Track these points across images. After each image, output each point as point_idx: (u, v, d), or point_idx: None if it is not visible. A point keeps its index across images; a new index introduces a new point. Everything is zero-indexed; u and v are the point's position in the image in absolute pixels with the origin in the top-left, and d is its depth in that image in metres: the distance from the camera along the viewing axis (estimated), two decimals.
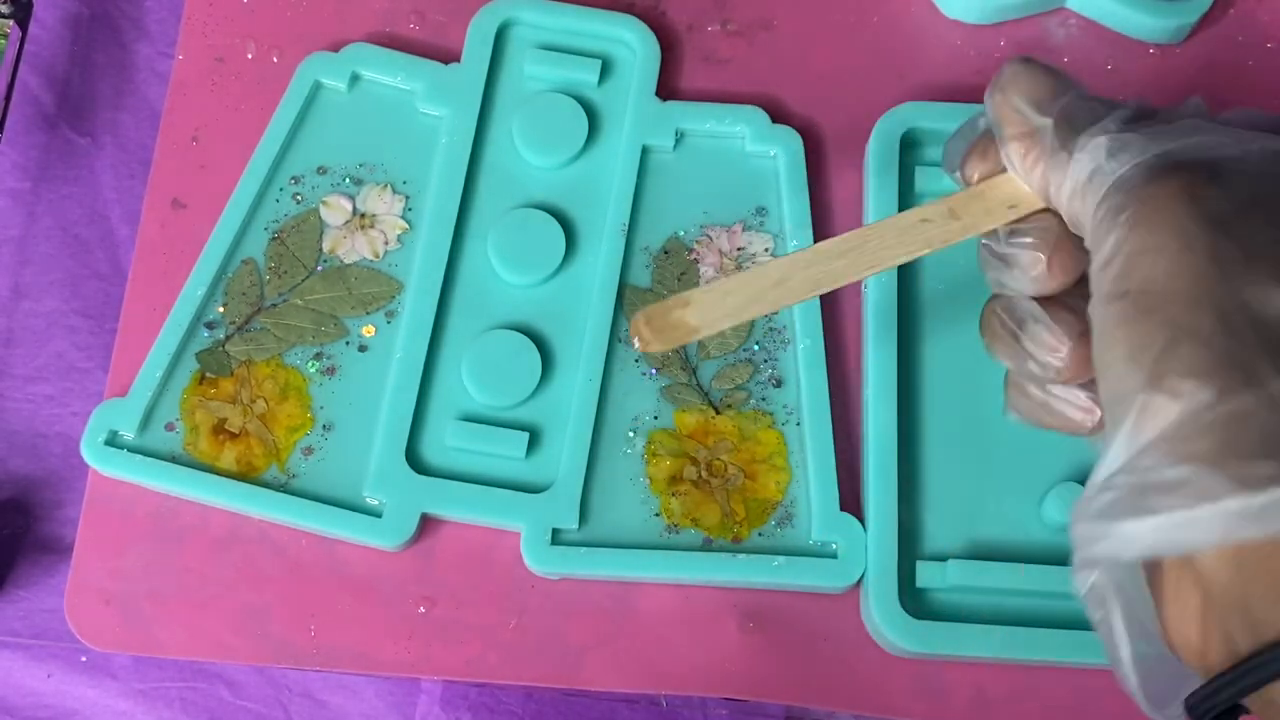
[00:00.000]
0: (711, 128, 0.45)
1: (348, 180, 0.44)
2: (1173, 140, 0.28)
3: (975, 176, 0.33)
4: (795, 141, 0.44)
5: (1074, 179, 0.30)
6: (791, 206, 0.44)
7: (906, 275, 0.43)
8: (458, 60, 0.45)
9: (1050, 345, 0.31)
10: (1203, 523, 0.23)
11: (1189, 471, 0.24)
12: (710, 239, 0.44)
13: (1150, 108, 0.30)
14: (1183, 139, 0.28)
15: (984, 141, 0.33)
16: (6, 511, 0.44)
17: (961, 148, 0.33)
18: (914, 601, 0.40)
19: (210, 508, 0.41)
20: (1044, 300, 0.31)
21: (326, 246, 0.43)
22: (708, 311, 0.32)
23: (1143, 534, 0.24)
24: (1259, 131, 0.29)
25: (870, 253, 0.33)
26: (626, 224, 0.43)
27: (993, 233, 0.32)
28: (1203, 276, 0.26)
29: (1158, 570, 0.26)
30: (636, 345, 0.32)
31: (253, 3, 0.46)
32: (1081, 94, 0.31)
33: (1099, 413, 0.32)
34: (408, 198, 0.44)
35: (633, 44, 0.45)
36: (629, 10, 0.46)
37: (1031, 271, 0.31)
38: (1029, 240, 0.31)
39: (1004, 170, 0.32)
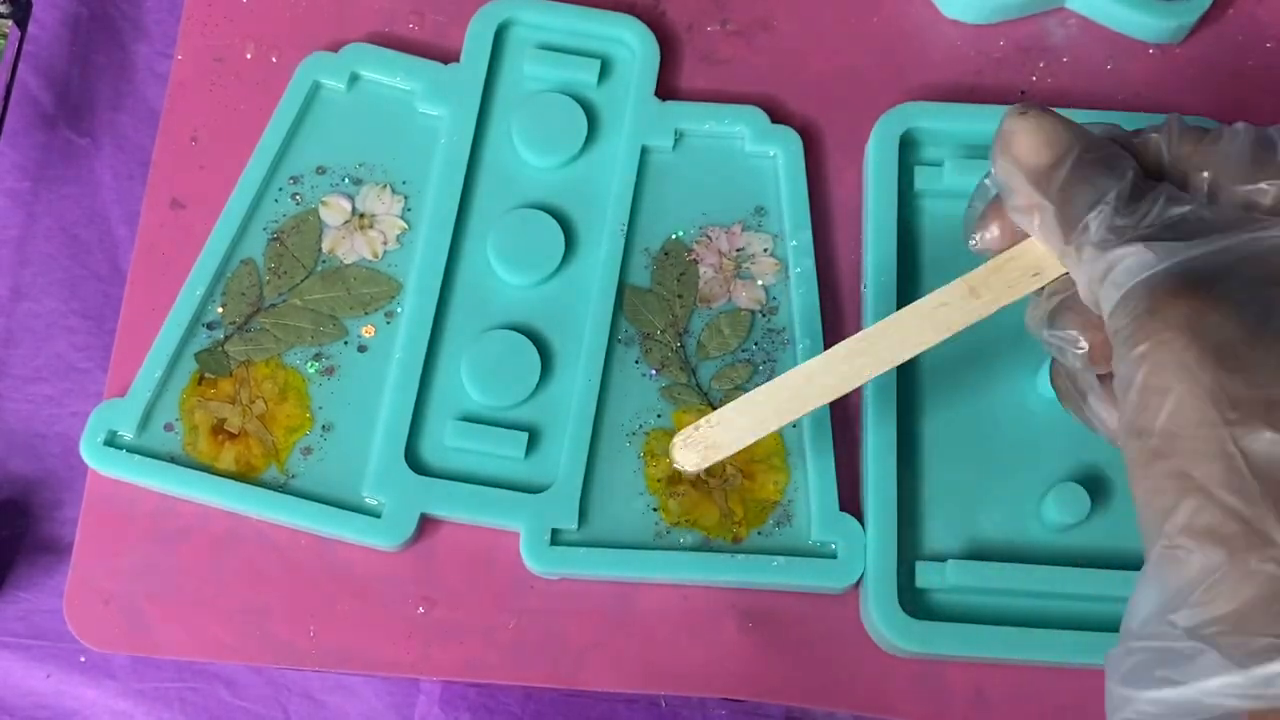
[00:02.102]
0: (711, 128, 0.45)
1: (347, 180, 0.44)
2: (1180, 245, 0.28)
3: (993, 246, 0.33)
4: (795, 141, 0.44)
5: (1087, 274, 0.30)
6: (791, 206, 0.44)
7: (906, 275, 0.43)
8: (457, 60, 0.45)
9: (1111, 417, 0.32)
10: (1216, 693, 0.25)
11: (1199, 647, 0.25)
12: (710, 239, 0.44)
13: (1153, 159, 0.31)
14: (1190, 244, 0.28)
15: (995, 208, 0.33)
16: (6, 512, 0.44)
17: (975, 215, 0.33)
18: (913, 602, 0.40)
19: (209, 508, 0.41)
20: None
21: (326, 246, 0.43)
22: (732, 431, 0.34)
23: (1165, 699, 0.26)
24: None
25: (889, 348, 0.33)
26: (626, 224, 0.43)
27: (1038, 297, 0.32)
28: (1205, 423, 0.26)
29: None
30: (682, 467, 0.35)
31: (252, 3, 0.46)
32: (1081, 159, 0.30)
33: None
34: (407, 198, 0.44)
35: (632, 44, 0.45)
36: (629, 10, 0.46)
37: (1077, 359, 0.32)
38: (1069, 333, 0.32)
39: (1023, 235, 0.32)
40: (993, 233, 0.33)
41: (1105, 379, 0.32)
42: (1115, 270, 0.29)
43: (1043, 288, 0.32)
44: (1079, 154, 0.30)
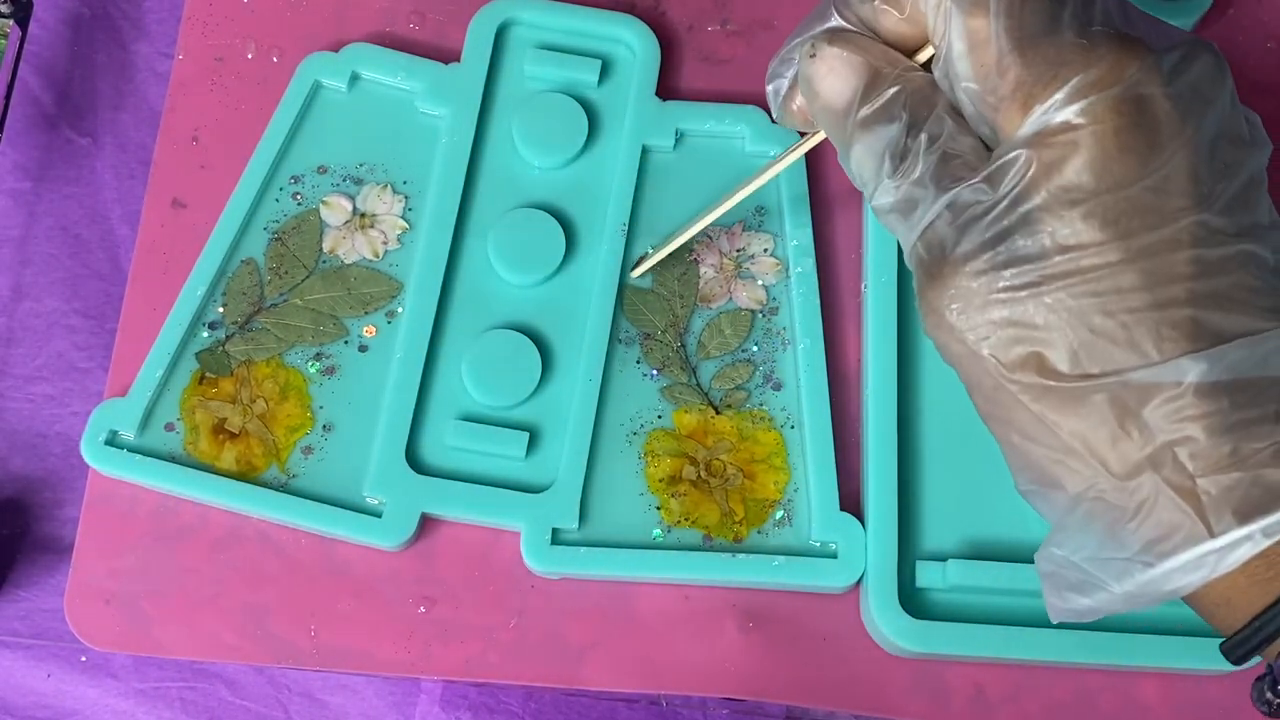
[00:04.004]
0: (711, 128, 0.45)
1: (348, 180, 0.44)
2: (927, 208, 0.30)
3: (798, 121, 0.36)
4: (795, 142, 0.44)
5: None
6: (791, 206, 0.44)
7: (907, 275, 0.43)
8: (458, 60, 0.45)
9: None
10: (1104, 603, 0.30)
11: (1079, 574, 0.30)
12: (710, 239, 0.44)
13: (923, 98, 0.31)
14: (937, 202, 0.30)
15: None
16: (6, 511, 0.44)
17: (776, 93, 0.35)
18: (914, 601, 0.40)
19: (210, 507, 0.41)
20: None
21: (326, 246, 0.43)
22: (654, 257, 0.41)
23: (1073, 609, 0.31)
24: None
25: (743, 189, 0.39)
26: (626, 224, 0.43)
27: None
28: (998, 388, 0.30)
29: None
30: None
31: (252, 3, 0.46)
32: (863, 109, 0.31)
33: None
34: (408, 198, 0.44)
35: (633, 44, 0.45)
36: (629, 10, 0.46)
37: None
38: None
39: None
40: (797, 106, 0.35)
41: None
42: (897, 235, 0.31)
43: None
44: (860, 99, 0.31)
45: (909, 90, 0.30)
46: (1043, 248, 0.28)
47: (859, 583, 0.40)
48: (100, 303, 0.46)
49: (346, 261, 0.43)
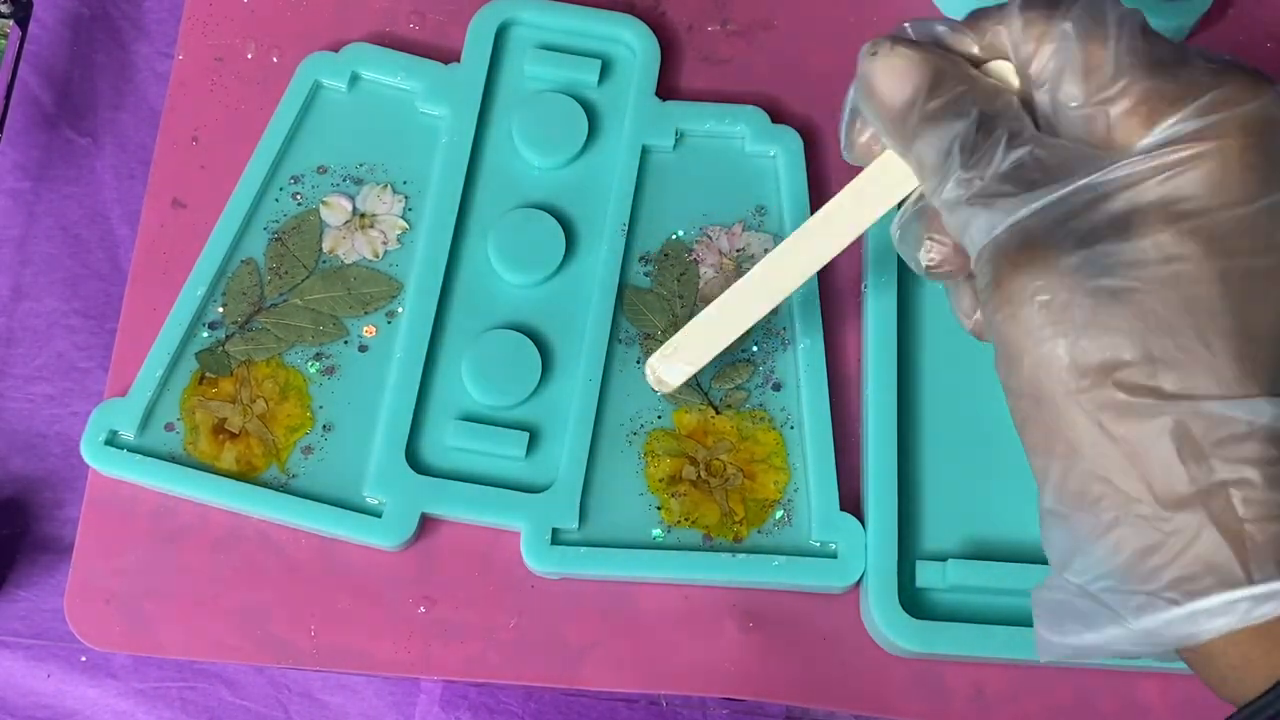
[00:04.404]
0: (711, 128, 0.45)
1: (348, 180, 0.44)
2: (1017, 201, 0.29)
3: (865, 156, 0.34)
4: (795, 141, 0.44)
5: (949, 227, 0.31)
6: (791, 207, 0.44)
7: (907, 275, 0.43)
8: (458, 60, 0.45)
9: (964, 313, 0.34)
10: (1112, 642, 0.28)
11: (1090, 604, 0.28)
12: (710, 239, 0.44)
13: (996, 100, 0.30)
14: (1027, 197, 0.29)
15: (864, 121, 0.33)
16: (6, 511, 0.44)
17: (850, 123, 0.34)
18: (914, 601, 0.40)
19: (210, 507, 0.41)
20: None
21: (326, 246, 0.43)
22: (693, 350, 0.37)
23: (1074, 645, 0.29)
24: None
25: (807, 257, 0.35)
26: (626, 224, 0.43)
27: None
28: (1061, 390, 0.28)
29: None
30: (657, 389, 0.38)
31: (252, 3, 0.46)
32: (928, 103, 0.30)
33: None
34: (408, 198, 0.44)
35: (632, 44, 0.45)
36: (629, 10, 0.46)
37: (921, 273, 0.33)
38: (910, 251, 0.33)
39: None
40: (865, 139, 0.33)
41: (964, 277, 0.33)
42: (968, 229, 0.30)
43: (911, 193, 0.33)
44: (926, 95, 0.30)
45: (980, 88, 0.30)
46: (1144, 254, 0.27)
47: (859, 583, 0.40)
48: (100, 303, 0.46)
49: (346, 261, 0.43)
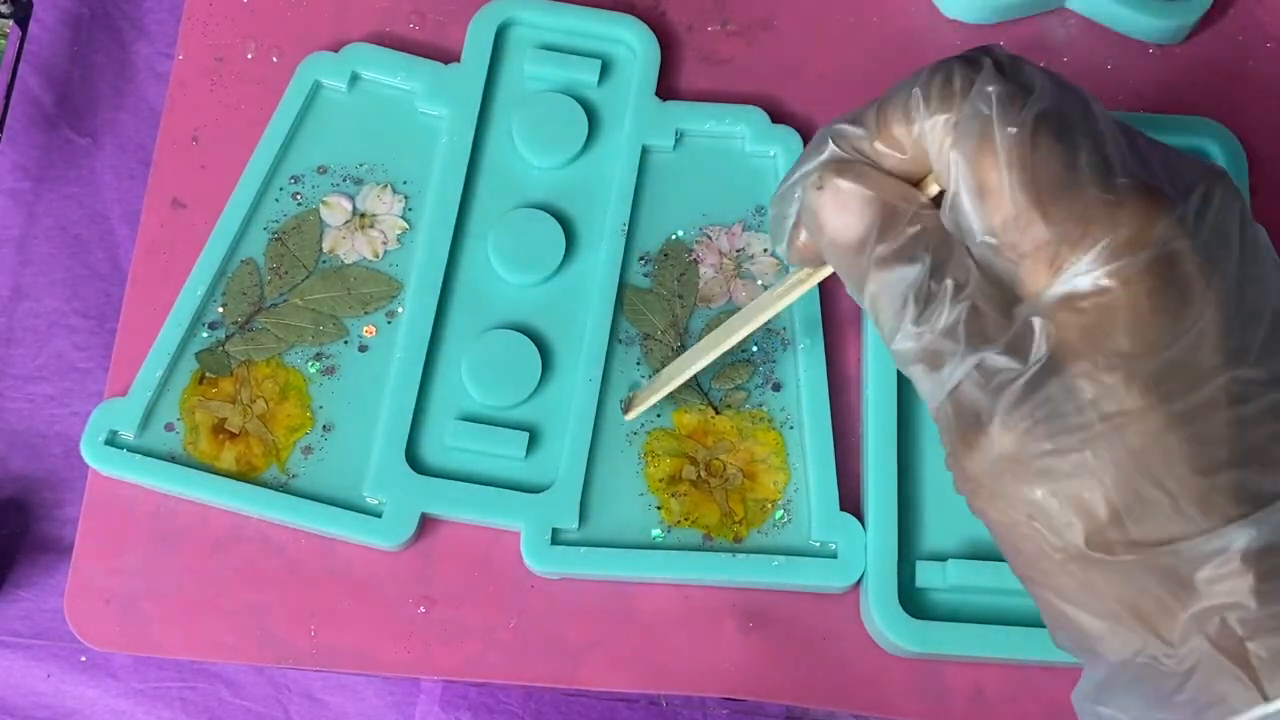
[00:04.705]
0: (711, 128, 0.45)
1: (348, 180, 0.44)
2: (959, 360, 0.29)
3: (809, 259, 0.34)
4: (795, 141, 0.44)
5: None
6: None
7: None
8: (458, 60, 0.45)
9: None
10: None
11: None
12: (710, 239, 0.44)
13: (945, 245, 0.30)
14: (963, 364, 0.29)
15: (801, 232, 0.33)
16: (6, 511, 0.44)
17: (781, 230, 0.33)
18: (914, 601, 0.40)
19: (210, 507, 0.41)
20: None
21: (327, 246, 0.43)
22: (651, 393, 0.41)
23: None
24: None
25: (742, 326, 0.38)
26: (626, 224, 0.43)
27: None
28: (1051, 550, 0.29)
29: None
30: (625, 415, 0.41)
31: (252, 3, 0.46)
32: (880, 248, 0.30)
33: None
34: (407, 198, 0.44)
35: (632, 44, 0.45)
36: (629, 10, 0.46)
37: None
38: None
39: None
40: (804, 243, 0.33)
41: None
42: (920, 383, 0.30)
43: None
44: (876, 237, 0.30)
45: (929, 229, 0.30)
46: (1084, 415, 0.27)
47: (859, 583, 0.40)
48: (100, 303, 0.46)
49: (346, 261, 0.43)
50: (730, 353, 0.43)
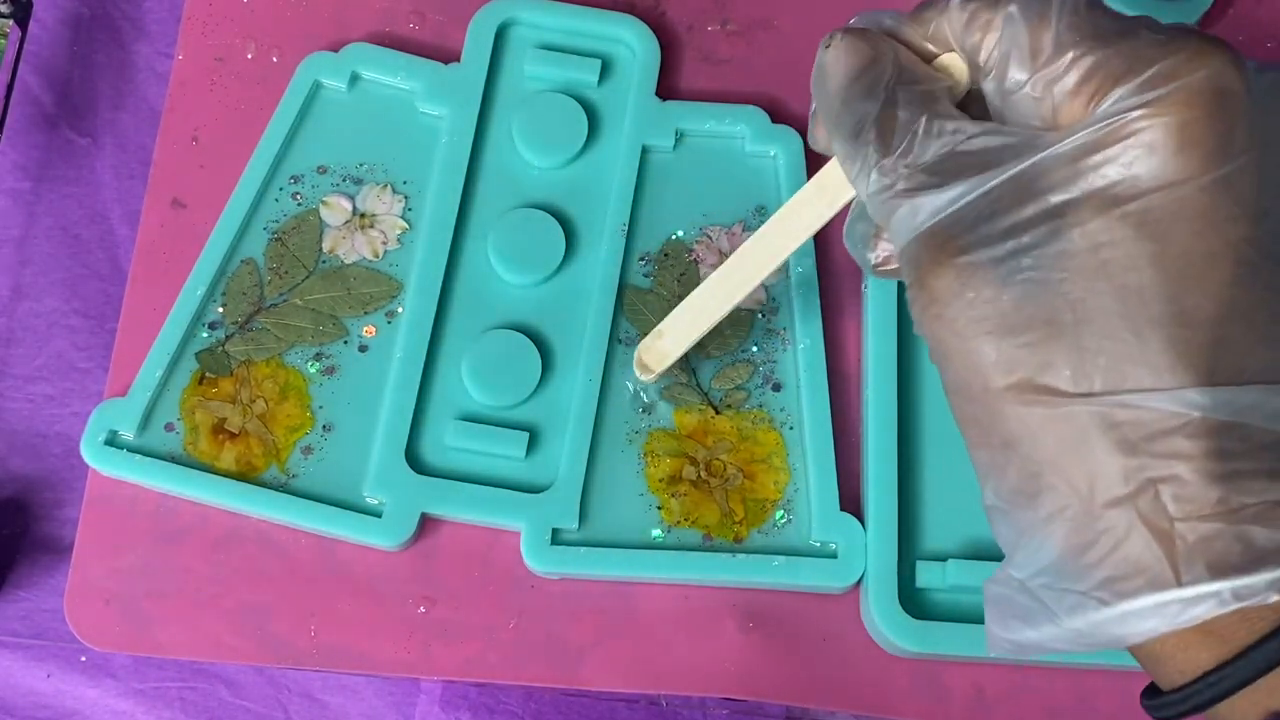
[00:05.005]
0: (711, 128, 0.45)
1: (347, 180, 0.44)
2: (936, 197, 0.27)
3: (828, 146, 0.33)
4: (795, 141, 0.44)
5: (874, 217, 0.30)
6: None
7: None
8: (458, 60, 0.45)
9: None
10: (1048, 640, 0.28)
11: (1029, 602, 0.28)
12: (710, 239, 0.44)
13: (919, 85, 0.29)
14: (947, 190, 0.27)
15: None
16: (6, 511, 0.44)
17: (811, 119, 0.33)
18: (914, 601, 0.40)
19: (210, 508, 0.41)
20: None
21: (326, 246, 0.43)
22: (676, 335, 0.39)
23: (1017, 642, 0.29)
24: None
25: (775, 245, 0.36)
26: (626, 224, 0.43)
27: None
28: (987, 391, 0.27)
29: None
30: (641, 376, 0.40)
31: (252, 2, 0.46)
32: (846, 94, 0.29)
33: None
34: (407, 197, 0.44)
35: (632, 44, 0.45)
36: (629, 10, 0.46)
37: (870, 273, 0.34)
38: (859, 250, 0.33)
39: None
40: (823, 130, 0.32)
41: None
42: (892, 223, 0.29)
43: None
44: (853, 80, 0.29)
45: (905, 75, 0.29)
46: (1072, 244, 0.26)
47: (859, 583, 0.40)
48: (100, 303, 0.46)
49: (346, 261, 0.43)
50: (730, 353, 0.43)
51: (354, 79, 0.45)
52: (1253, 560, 0.25)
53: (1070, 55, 0.27)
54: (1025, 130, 0.28)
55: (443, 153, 0.44)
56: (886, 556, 0.40)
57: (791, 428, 0.42)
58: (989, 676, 0.40)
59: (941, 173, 0.28)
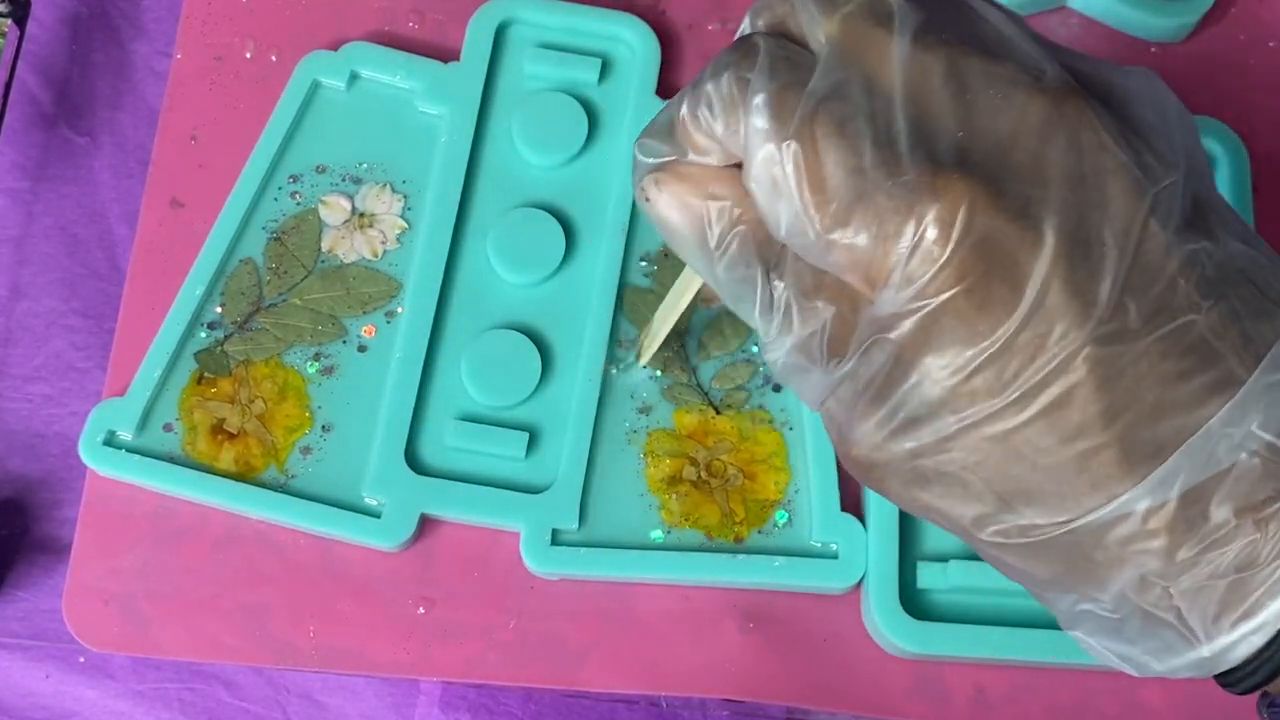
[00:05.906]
0: None
1: (346, 179, 0.44)
2: (822, 376, 0.28)
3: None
4: None
5: None
6: None
7: None
8: (457, 59, 0.45)
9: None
10: None
11: None
12: None
13: (770, 248, 0.29)
14: (826, 375, 0.28)
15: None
16: (5, 511, 0.44)
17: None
18: (915, 602, 0.40)
19: (209, 508, 0.41)
20: None
21: (325, 246, 0.43)
22: (656, 328, 0.40)
23: None
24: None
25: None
26: (626, 224, 0.43)
27: None
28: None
29: None
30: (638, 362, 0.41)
31: (251, 2, 0.46)
32: (717, 267, 0.29)
33: None
34: (407, 197, 0.44)
35: (632, 43, 0.45)
36: (629, 9, 0.46)
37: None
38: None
39: None
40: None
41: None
42: (798, 393, 0.30)
43: None
44: (711, 244, 0.29)
45: (753, 238, 0.29)
46: (940, 416, 0.26)
47: (860, 584, 0.40)
48: (99, 302, 0.46)
49: (345, 261, 0.43)
50: (731, 353, 0.43)
51: (353, 78, 0.45)
52: (1254, 605, 0.26)
53: (821, 240, 0.26)
54: (859, 295, 0.27)
55: (442, 152, 0.44)
56: (887, 557, 0.40)
57: (792, 428, 0.42)
58: (990, 677, 0.40)
59: (810, 354, 0.28)
